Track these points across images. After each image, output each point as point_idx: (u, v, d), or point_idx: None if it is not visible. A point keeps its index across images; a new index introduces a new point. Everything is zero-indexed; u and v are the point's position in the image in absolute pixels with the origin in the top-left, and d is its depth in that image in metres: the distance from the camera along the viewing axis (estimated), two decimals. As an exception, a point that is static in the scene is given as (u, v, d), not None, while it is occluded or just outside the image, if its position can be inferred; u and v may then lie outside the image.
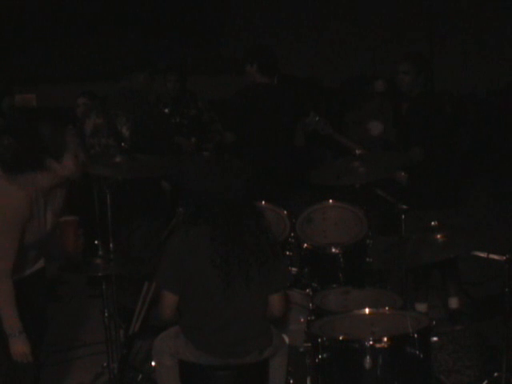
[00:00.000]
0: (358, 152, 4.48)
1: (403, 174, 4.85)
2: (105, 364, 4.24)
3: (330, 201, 4.56)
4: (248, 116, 5.21)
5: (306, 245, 4.39)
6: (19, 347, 3.27)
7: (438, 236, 3.53)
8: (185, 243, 3.25)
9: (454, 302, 5.13)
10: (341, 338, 3.32)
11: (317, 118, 5.03)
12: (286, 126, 5.27)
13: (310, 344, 3.43)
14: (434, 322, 3.34)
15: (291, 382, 3.63)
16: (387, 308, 3.59)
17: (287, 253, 4.36)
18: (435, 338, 3.32)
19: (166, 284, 3.28)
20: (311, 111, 5.05)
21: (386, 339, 3.17)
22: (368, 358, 3.14)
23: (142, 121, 5.07)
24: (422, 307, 4.96)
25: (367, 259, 4.38)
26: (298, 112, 5.34)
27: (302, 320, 3.93)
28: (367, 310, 3.51)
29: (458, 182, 5.07)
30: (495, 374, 3.89)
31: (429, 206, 4.74)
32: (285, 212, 4.49)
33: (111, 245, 4.28)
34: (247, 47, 5.55)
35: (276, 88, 5.36)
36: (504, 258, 3.57)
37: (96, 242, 4.06)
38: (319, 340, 3.30)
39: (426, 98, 4.92)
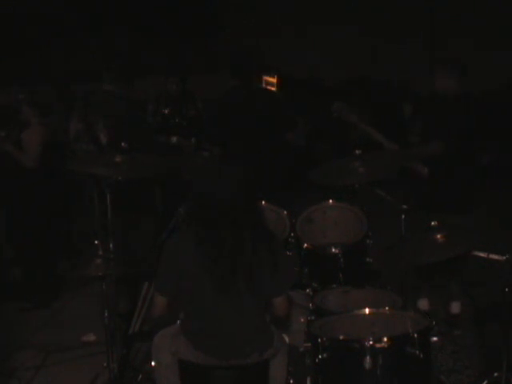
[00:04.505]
0: (358, 152, 4.47)
1: (424, 167, 4.85)
2: (105, 364, 4.24)
3: (330, 201, 4.55)
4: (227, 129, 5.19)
5: (306, 245, 4.39)
6: None
7: (438, 236, 3.53)
8: (179, 246, 3.25)
9: (455, 307, 5.12)
10: (341, 337, 3.32)
11: (342, 106, 4.99)
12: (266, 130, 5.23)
13: (309, 344, 3.43)
14: (434, 322, 3.34)
15: (291, 382, 3.63)
16: (387, 308, 3.59)
17: (287, 253, 4.35)
18: (435, 338, 3.32)
19: (157, 286, 3.34)
20: (336, 101, 5.01)
21: (385, 339, 3.17)
22: (368, 358, 3.14)
23: (118, 125, 5.09)
24: (423, 303, 4.95)
25: (367, 259, 4.38)
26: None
27: (302, 320, 3.93)
28: (367, 310, 3.51)
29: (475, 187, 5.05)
30: (495, 374, 3.88)
31: (442, 207, 4.73)
32: (285, 212, 4.49)
33: (111, 245, 4.29)
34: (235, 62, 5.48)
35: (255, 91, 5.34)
36: (504, 258, 3.57)
37: (96, 242, 4.06)
38: (319, 340, 3.30)
39: (460, 100, 4.90)
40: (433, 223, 3.57)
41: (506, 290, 3.60)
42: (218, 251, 3.17)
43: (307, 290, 4.11)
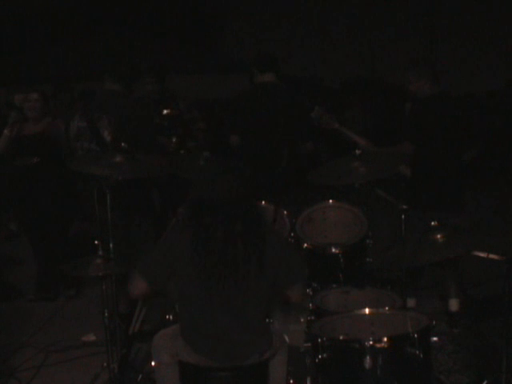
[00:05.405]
0: (358, 152, 4.47)
1: (407, 168, 4.87)
2: (105, 364, 4.24)
3: (330, 201, 4.56)
4: (250, 116, 5.21)
5: (306, 245, 4.39)
6: None
7: (438, 236, 3.53)
8: (175, 244, 3.25)
9: (453, 305, 5.12)
10: (341, 337, 3.32)
11: (322, 113, 5.01)
12: (287, 124, 5.24)
13: (310, 344, 3.43)
14: (434, 322, 3.34)
15: (291, 382, 3.63)
16: (387, 308, 3.59)
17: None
18: (435, 338, 3.32)
19: (142, 270, 3.29)
20: (316, 106, 5.03)
21: (385, 339, 3.17)
22: (368, 358, 3.15)
23: (123, 123, 5.08)
24: (411, 302, 4.97)
25: (367, 259, 4.38)
26: (299, 111, 5.32)
27: (301, 320, 3.93)
28: (367, 310, 3.51)
29: (462, 184, 5.05)
30: (495, 374, 3.88)
31: (431, 207, 4.74)
32: (285, 212, 4.49)
33: (111, 245, 4.29)
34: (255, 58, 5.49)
35: (276, 87, 5.34)
36: (504, 258, 3.57)
37: (96, 242, 4.06)
38: (319, 340, 3.30)
39: (432, 100, 4.92)
40: (433, 223, 3.58)
41: (506, 289, 3.59)
42: (212, 252, 3.16)
43: (307, 290, 4.11)
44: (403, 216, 4.30)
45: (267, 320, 3.49)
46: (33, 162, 5.77)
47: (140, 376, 4.30)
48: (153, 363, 3.45)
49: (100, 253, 4.06)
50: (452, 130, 4.88)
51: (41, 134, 5.81)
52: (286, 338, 3.48)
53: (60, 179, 5.85)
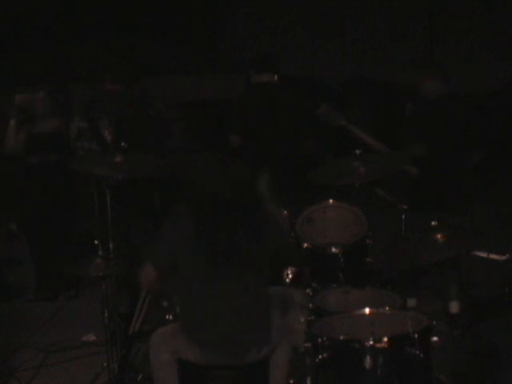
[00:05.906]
0: (358, 152, 4.47)
1: (413, 168, 4.88)
2: (105, 364, 4.24)
3: (330, 201, 4.55)
4: (249, 116, 5.22)
5: (306, 245, 4.39)
6: None
7: (438, 236, 3.53)
8: (177, 239, 3.27)
9: (454, 307, 5.11)
10: (341, 337, 3.32)
11: (329, 110, 5.00)
12: (286, 124, 5.25)
13: (310, 344, 3.43)
14: (435, 322, 3.34)
15: (291, 382, 3.63)
16: (387, 308, 3.59)
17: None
18: (435, 338, 3.31)
19: (149, 256, 3.35)
20: (323, 103, 5.03)
21: (385, 339, 3.17)
22: (368, 358, 3.15)
23: (123, 123, 5.09)
24: (411, 302, 4.97)
25: (367, 259, 4.38)
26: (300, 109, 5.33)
27: (302, 320, 3.93)
28: (367, 310, 3.51)
29: (463, 184, 5.05)
30: (495, 374, 3.88)
31: (432, 207, 4.73)
32: (285, 212, 4.49)
33: (111, 245, 4.29)
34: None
35: (274, 87, 5.35)
36: (504, 257, 3.58)
37: (96, 242, 4.06)
38: (319, 340, 3.30)
39: (440, 101, 4.90)
40: (433, 223, 3.58)
41: (507, 290, 3.60)
42: (213, 252, 3.17)
43: (307, 290, 4.11)
44: (403, 216, 4.31)
45: (268, 318, 3.48)
46: (48, 160, 5.76)
47: (140, 376, 4.29)
48: (151, 362, 3.45)
49: (100, 253, 4.06)
50: (459, 130, 4.87)
51: (51, 132, 5.80)
52: (288, 337, 3.48)
53: (61, 178, 5.85)
